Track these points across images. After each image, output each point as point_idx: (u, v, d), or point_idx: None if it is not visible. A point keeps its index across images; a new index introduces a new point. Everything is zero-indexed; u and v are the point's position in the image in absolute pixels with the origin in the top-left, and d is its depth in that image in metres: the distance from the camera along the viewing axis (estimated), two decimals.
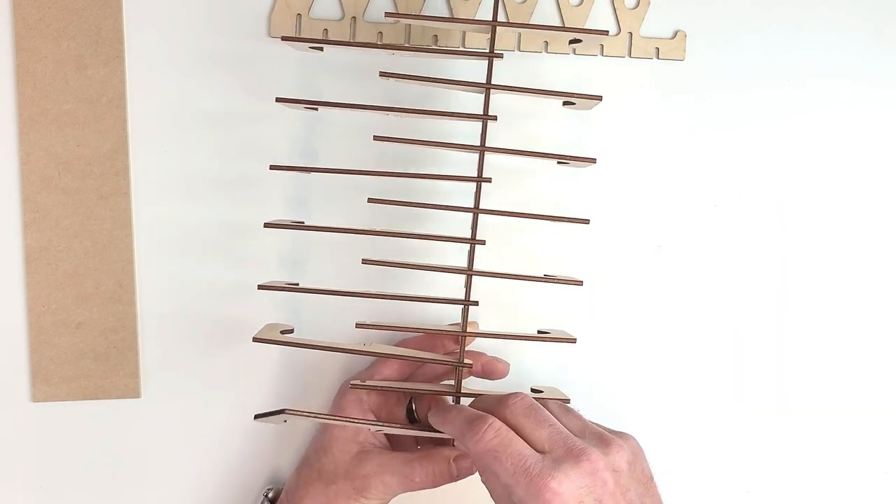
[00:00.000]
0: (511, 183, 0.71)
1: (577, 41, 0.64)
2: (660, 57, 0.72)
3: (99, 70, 0.73)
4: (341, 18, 0.72)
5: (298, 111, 0.72)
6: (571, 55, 0.72)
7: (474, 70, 0.69)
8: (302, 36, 0.67)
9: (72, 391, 0.73)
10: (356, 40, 0.72)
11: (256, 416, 0.65)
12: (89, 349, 0.72)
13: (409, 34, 0.72)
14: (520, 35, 0.72)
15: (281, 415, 0.64)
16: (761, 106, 0.72)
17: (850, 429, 0.73)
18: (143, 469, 0.73)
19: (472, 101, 0.67)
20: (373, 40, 0.72)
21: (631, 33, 0.71)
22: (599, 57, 0.72)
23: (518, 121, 0.70)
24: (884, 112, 0.73)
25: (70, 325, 0.72)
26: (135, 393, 0.73)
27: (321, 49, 0.67)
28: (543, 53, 0.72)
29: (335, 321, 0.72)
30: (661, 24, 0.71)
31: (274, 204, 0.72)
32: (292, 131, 0.72)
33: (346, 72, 0.72)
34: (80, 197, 0.72)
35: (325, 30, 0.72)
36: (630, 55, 0.71)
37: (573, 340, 0.65)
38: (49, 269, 0.72)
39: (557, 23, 0.72)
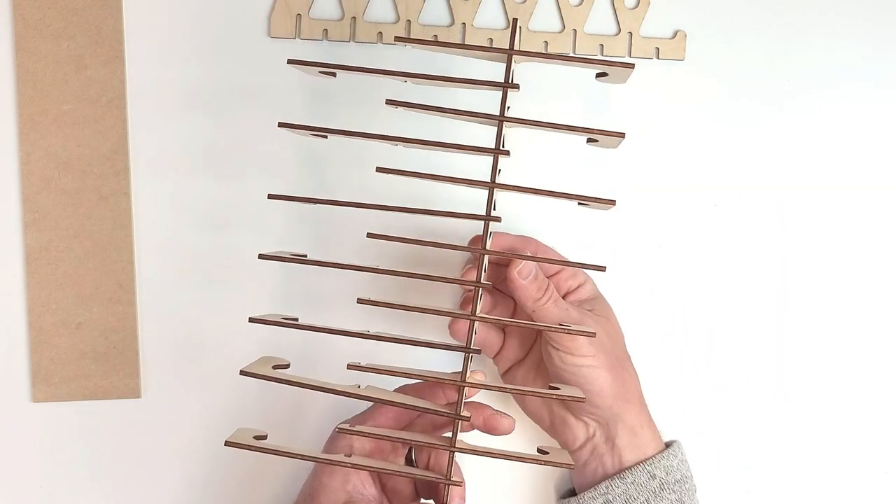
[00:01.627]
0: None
1: (604, 74, 0.60)
2: (660, 57, 0.72)
3: (99, 70, 0.73)
4: (341, 18, 0.72)
5: (302, 105, 0.72)
6: (572, 55, 0.72)
7: (483, 70, 0.68)
8: (310, 60, 0.60)
9: (72, 391, 0.73)
10: (356, 40, 0.72)
11: (227, 443, 0.60)
12: (89, 349, 0.72)
13: (409, 34, 0.72)
14: (519, 36, 0.72)
15: (253, 447, 0.60)
16: (761, 106, 0.72)
17: (850, 429, 0.73)
18: (143, 469, 0.73)
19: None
20: (372, 40, 0.72)
21: (631, 33, 0.71)
22: (599, 57, 0.71)
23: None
24: (884, 112, 0.73)
25: (70, 325, 0.72)
26: (135, 393, 0.73)
27: (333, 75, 0.63)
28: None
29: (336, 350, 0.71)
30: (661, 24, 0.71)
31: (278, 203, 0.72)
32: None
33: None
34: (80, 197, 0.72)
35: (325, 30, 0.72)
36: (630, 55, 0.71)
37: (582, 399, 0.61)
38: (49, 269, 0.72)
39: (558, 23, 0.72)
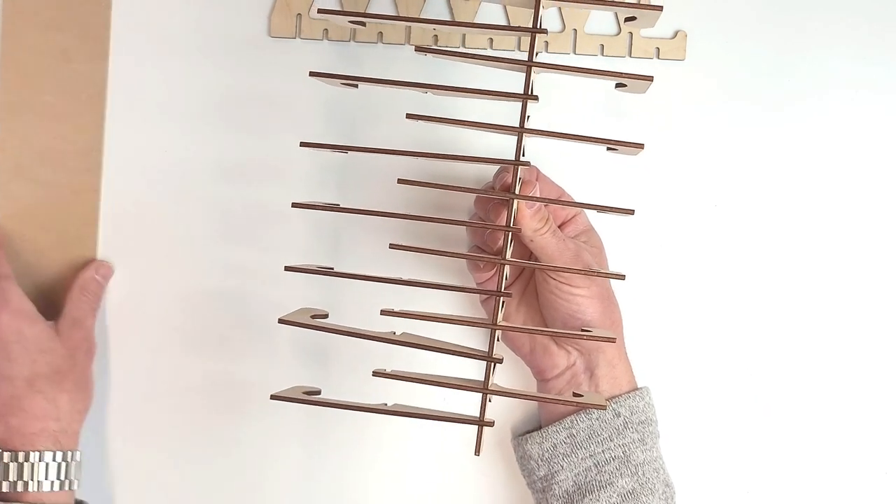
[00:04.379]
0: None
1: (623, 84, 0.61)
2: (660, 57, 0.72)
3: (83, 65, 0.72)
4: None
5: (303, 103, 0.72)
6: (572, 55, 0.72)
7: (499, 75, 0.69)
8: (332, 73, 0.62)
9: None
10: (357, 40, 0.72)
11: (273, 397, 0.59)
12: None
13: (409, 35, 0.72)
14: (519, 38, 0.72)
15: (299, 399, 0.60)
16: (761, 106, 0.73)
17: (850, 429, 0.73)
18: (143, 470, 0.73)
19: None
20: (372, 40, 0.72)
21: (631, 33, 0.72)
22: (600, 57, 0.72)
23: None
24: (884, 112, 0.73)
25: None
26: None
27: (356, 86, 0.63)
28: (544, 53, 0.72)
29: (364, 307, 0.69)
30: (661, 24, 0.72)
31: (286, 204, 0.71)
32: (298, 127, 0.73)
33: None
34: (51, 190, 0.72)
35: (326, 30, 0.72)
36: (630, 55, 0.72)
37: (603, 407, 0.62)
38: (11, 258, 0.71)
39: (558, 23, 0.72)
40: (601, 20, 0.72)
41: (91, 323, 0.71)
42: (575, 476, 0.65)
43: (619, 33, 0.72)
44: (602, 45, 0.72)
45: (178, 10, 0.73)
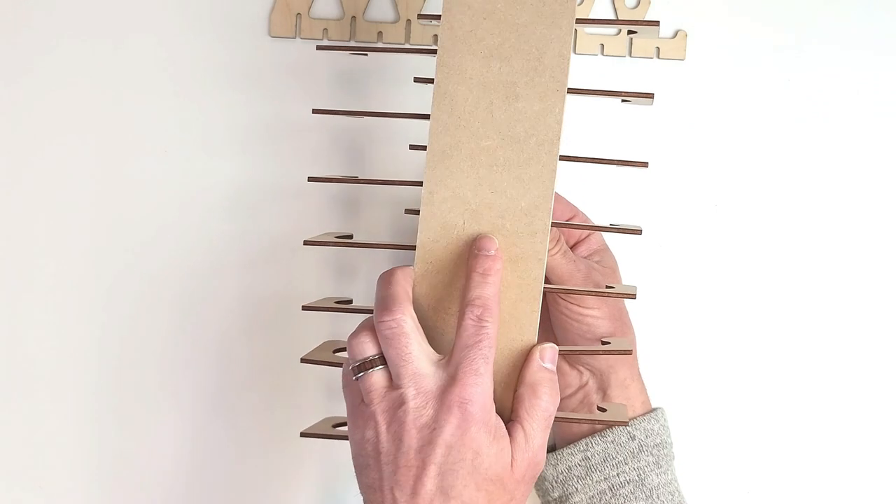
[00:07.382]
0: None
1: (633, 32, 0.63)
2: (660, 57, 0.71)
3: (533, 104, 0.58)
4: (341, 18, 0.72)
5: (303, 102, 0.72)
6: (572, 55, 0.71)
7: None
8: (333, 79, 0.63)
9: None
10: (356, 39, 0.72)
11: (303, 434, 0.63)
12: None
13: (409, 33, 0.72)
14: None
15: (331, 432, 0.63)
16: (761, 106, 0.72)
17: (850, 429, 0.73)
18: (143, 470, 0.74)
19: None
20: (372, 40, 0.72)
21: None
22: (600, 56, 0.71)
23: None
24: (884, 111, 0.72)
25: None
26: None
27: (366, 54, 0.66)
28: None
29: None
30: (661, 24, 0.70)
31: (288, 225, 0.73)
32: (307, 134, 0.73)
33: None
34: None
35: (325, 29, 0.72)
36: (630, 55, 0.71)
37: (625, 423, 0.62)
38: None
39: None
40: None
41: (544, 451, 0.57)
42: (589, 499, 0.65)
43: (619, 33, 0.71)
44: (602, 45, 0.71)
45: (177, 10, 0.73)
